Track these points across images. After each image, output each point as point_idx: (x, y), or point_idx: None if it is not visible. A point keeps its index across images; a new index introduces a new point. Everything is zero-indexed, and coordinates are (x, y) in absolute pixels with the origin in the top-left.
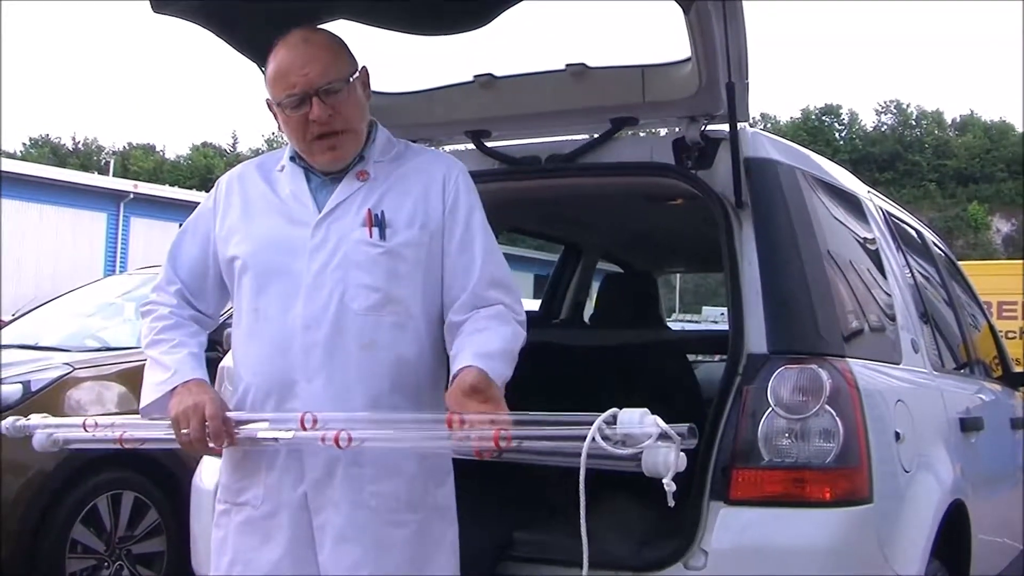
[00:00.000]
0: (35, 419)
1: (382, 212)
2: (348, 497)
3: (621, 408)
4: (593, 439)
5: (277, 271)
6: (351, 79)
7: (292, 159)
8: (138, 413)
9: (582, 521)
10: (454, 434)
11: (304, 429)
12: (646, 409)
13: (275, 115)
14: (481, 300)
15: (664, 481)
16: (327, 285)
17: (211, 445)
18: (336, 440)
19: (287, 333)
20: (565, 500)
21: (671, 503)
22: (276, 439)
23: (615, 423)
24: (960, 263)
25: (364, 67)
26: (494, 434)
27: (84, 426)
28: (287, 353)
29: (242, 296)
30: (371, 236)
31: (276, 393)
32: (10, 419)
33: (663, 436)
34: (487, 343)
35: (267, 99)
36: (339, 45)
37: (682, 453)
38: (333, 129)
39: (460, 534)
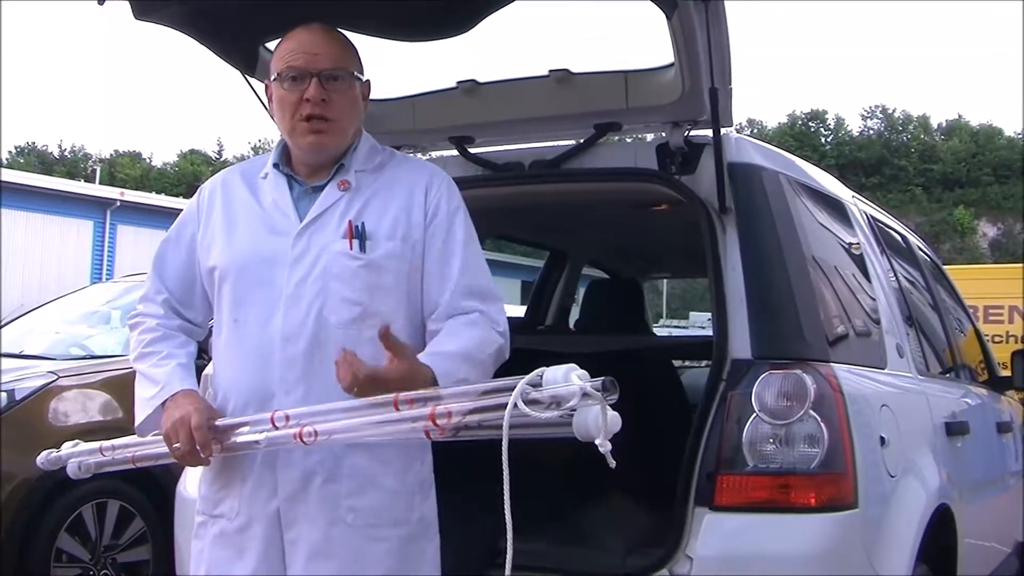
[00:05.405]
0: (66, 448)
1: (363, 224)
2: (324, 513)
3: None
4: (516, 405)
5: (257, 282)
6: (354, 75)
7: (275, 166)
8: (122, 421)
9: (506, 498)
10: (401, 415)
11: (276, 428)
12: (573, 365)
13: (269, 99)
14: (457, 310)
15: (597, 442)
16: (306, 297)
17: (202, 456)
18: (301, 435)
19: (266, 345)
20: (551, 508)
21: (611, 464)
22: (257, 441)
23: (542, 384)
24: (946, 267)
25: (368, 81)
26: (430, 411)
27: (101, 450)
28: (266, 365)
29: (222, 306)
30: (351, 248)
31: (254, 404)
32: (44, 453)
33: (586, 395)
34: (442, 343)
35: (265, 83)
36: (352, 46)
37: (615, 413)
38: (323, 115)
39: (445, 544)
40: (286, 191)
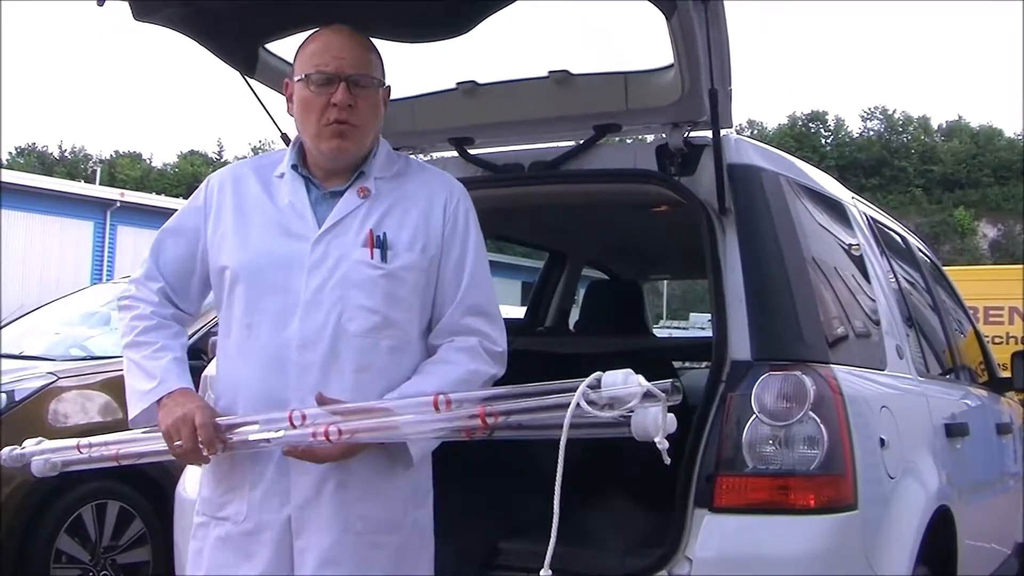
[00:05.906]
0: (29, 445)
1: (384, 234)
2: (336, 520)
3: None
4: (578, 405)
5: (273, 286)
6: (379, 82)
7: (293, 167)
8: (121, 422)
9: (556, 492)
10: (441, 416)
11: (293, 427)
12: (629, 369)
13: (289, 97)
14: (458, 327)
15: (656, 440)
16: (325, 304)
17: (205, 453)
18: (326, 434)
19: (281, 351)
20: (551, 507)
21: (667, 461)
22: (268, 440)
23: (600, 387)
24: (946, 268)
25: (389, 87)
26: (480, 411)
27: (78, 447)
28: (281, 372)
29: (233, 308)
30: (372, 257)
31: (266, 410)
32: (6, 450)
33: (648, 395)
34: (423, 383)
35: (286, 81)
36: (377, 51)
37: (671, 415)
38: (349, 120)
39: (444, 545)
40: (304, 194)
